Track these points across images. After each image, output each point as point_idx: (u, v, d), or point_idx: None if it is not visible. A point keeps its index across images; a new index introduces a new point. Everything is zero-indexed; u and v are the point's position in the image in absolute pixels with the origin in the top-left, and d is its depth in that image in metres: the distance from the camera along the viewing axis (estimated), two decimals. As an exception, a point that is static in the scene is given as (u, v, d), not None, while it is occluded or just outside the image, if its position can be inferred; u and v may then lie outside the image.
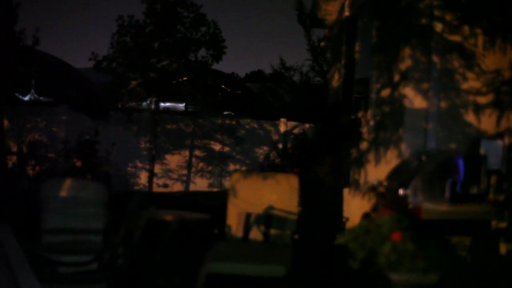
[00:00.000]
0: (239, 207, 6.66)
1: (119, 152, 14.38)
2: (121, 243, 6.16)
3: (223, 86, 16.87)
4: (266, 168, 12.64)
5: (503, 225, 6.05)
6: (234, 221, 6.62)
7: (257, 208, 6.64)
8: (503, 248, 5.91)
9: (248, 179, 6.95)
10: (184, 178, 15.50)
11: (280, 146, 14.63)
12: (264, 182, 6.87)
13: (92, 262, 6.00)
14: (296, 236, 6.47)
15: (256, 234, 6.58)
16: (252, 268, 5.55)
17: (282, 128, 15.99)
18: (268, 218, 6.61)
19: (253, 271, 5.54)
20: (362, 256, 4.14)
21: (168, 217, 6.72)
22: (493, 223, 6.00)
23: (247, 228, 6.58)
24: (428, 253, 3.95)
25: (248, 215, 6.63)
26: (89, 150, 12.51)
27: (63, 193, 7.01)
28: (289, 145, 13.78)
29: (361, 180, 8.08)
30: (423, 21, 6.59)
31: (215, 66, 14.82)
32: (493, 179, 6.23)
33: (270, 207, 6.62)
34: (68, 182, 7.16)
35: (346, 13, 9.68)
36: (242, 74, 22.02)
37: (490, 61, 6.56)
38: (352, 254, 4.23)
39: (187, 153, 15.57)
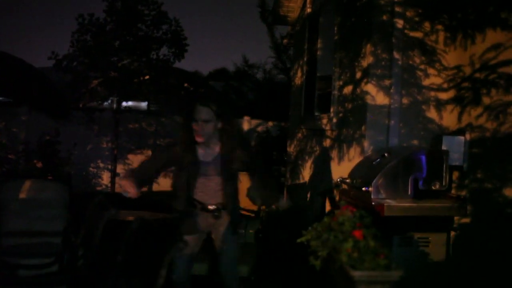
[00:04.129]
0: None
1: (80, 152, 14.26)
2: (81, 244, 6.07)
3: (186, 85, 16.74)
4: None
5: (465, 220, 6.08)
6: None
7: (219, 207, 6.59)
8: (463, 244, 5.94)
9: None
10: (147, 178, 15.35)
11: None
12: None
13: (52, 264, 5.89)
14: (260, 235, 6.45)
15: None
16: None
17: (246, 126, 15.94)
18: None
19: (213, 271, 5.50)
20: (324, 254, 4.09)
21: (129, 217, 6.64)
22: (456, 219, 6.03)
23: (210, 227, 6.53)
24: (390, 250, 3.93)
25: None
26: (50, 150, 12.39)
27: (23, 195, 6.88)
28: (253, 143, 13.76)
29: (325, 177, 8.07)
30: (384, 17, 6.59)
31: (178, 65, 14.73)
32: (455, 175, 6.26)
33: (234, 206, 6.58)
34: (28, 183, 7.04)
35: (308, 10, 9.68)
36: (205, 72, 21.87)
37: (451, 57, 6.58)
38: (314, 252, 4.18)
39: (149, 152, 15.45)
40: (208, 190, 5.19)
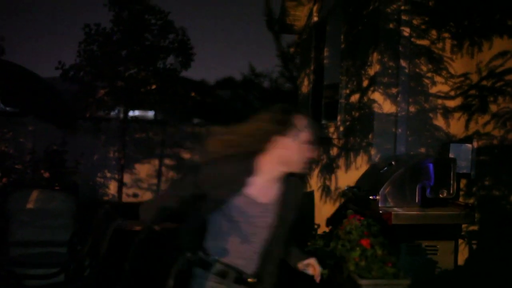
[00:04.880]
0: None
1: (87, 162, 14.26)
2: (88, 254, 6.07)
3: (193, 94, 16.73)
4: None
5: (473, 228, 6.05)
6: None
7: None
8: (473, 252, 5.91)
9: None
10: (154, 188, 15.37)
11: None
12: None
13: (59, 274, 5.90)
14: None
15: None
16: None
17: (253, 135, 15.89)
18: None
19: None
20: (332, 263, 4.09)
21: (136, 227, 6.64)
22: (464, 226, 6.01)
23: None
24: (398, 258, 3.92)
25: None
26: (57, 160, 12.40)
27: (31, 205, 6.92)
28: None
29: (332, 186, 8.05)
30: (391, 25, 6.58)
31: (185, 74, 14.72)
32: (463, 183, 6.24)
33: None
34: (35, 194, 7.07)
35: (315, 19, 9.68)
36: (212, 81, 21.88)
37: (458, 65, 6.57)
38: (322, 261, 4.17)
39: (156, 162, 15.44)
40: (250, 250, 3.29)
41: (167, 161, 15.61)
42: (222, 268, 3.24)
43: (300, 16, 10.86)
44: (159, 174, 15.48)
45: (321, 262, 4.14)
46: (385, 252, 3.84)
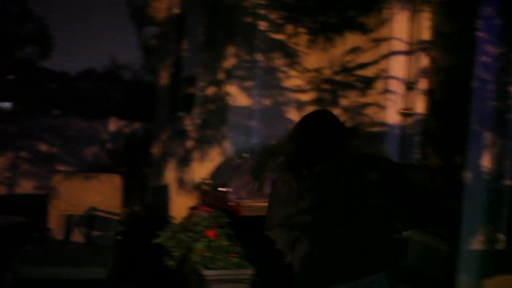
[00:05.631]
0: (61, 209, 6.47)
1: None
2: None
3: (52, 85, 16.32)
4: (95, 169, 12.37)
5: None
6: (55, 224, 6.41)
7: (79, 210, 6.48)
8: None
9: (70, 180, 6.73)
10: (8, 181, 14.83)
11: (110, 145, 14.36)
12: (87, 183, 6.68)
13: None
14: (120, 237, 6.33)
15: (78, 236, 6.41)
16: (72, 272, 5.36)
17: (113, 127, 15.64)
18: (90, 220, 6.45)
19: (73, 275, 5.35)
20: (179, 254, 4.05)
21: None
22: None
23: (68, 231, 6.39)
24: (244, 248, 3.93)
25: (69, 217, 6.45)
26: None
27: None
28: (119, 145, 13.58)
29: (187, 179, 8.01)
30: (248, 19, 6.60)
31: (46, 65, 14.33)
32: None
33: (93, 208, 6.47)
34: None
35: (175, 11, 9.61)
36: (74, 73, 21.44)
37: (312, 60, 6.66)
38: (170, 253, 4.13)
39: (12, 154, 14.90)
40: None
41: (23, 154, 15.09)
42: None
43: (160, 8, 10.75)
44: (14, 167, 14.94)
45: (168, 254, 4.10)
46: (231, 243, 3.83)
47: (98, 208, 6.46)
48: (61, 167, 14.87)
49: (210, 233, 3.89)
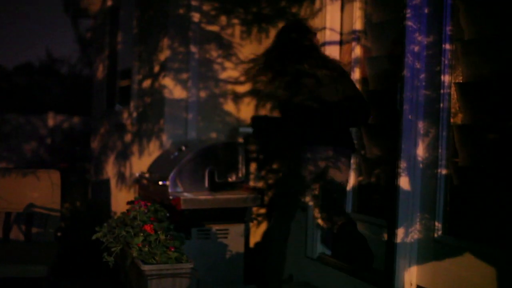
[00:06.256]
0: (-2, 207, 6.39)
1: None
2: None
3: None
4: (35, 165, 12.24)
5: (262, 211, 6.23)
6: (-7, 222, 6.33)
7: (18, 207, 6.39)
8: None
9: (7, 176, 6.63)
10: None
11: (49, 141, 14.21)
12: (24, 180, 6.58)
13: None
14: (59, 234, 6.28)
15: (17, 234, 6.34)
16: (11, 270, 5.30)
17: (51, 122, 15.48)
18: (29, 217, 6.38)
19: (11, 272, 5.29)
20: (117, 250, 4.05)
21: None
22: (255, 209, 6.16)
23: (7, 228, 6.31)
24: (182, 242, 3.94)
25: (7, 215, 6.38)
26: None
27: None
28: (58, 140, 13.45)
29: (127, 173, 7.99)
30: (181, 11, 6.59)
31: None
32: (253, 167, 6.38)
33: (31, 205, 6.40)
34: None
35: (109, 3, 9.53)
36: (10, 67, 21.09)
37: (247, 51, 6.69)
38: (108, 248, 4.12)
39: None
40: None
41: (-43, 152, 14.86)
42: None
43: (95, 0, 10.66)
44: None
45: (107, 250, 4.10)
46: (169, 237, 3.84)
47: (37, 204, 6.38)
48: (-1, 164, 14.67)
49: (148, 227, 3.89)
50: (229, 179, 5.68)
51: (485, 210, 3.80)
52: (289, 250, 4.70)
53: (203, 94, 6.62)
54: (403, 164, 4.16)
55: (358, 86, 5.00)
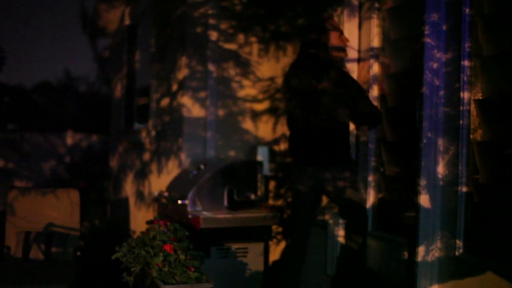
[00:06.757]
0: (18, 226, 6.39)
1: None
2: None
3: (6, 99, 16.12)
4: (53, 183, 12.27)
5: (281, 229, 6.20)
6: (12, 241, 6.34)
7: (37, 226, 6.41)
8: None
9: (27, 196, 6.66)
10: (-38, 199, 14.60)
11: (68, 159, 14.26)
12: (44, 199, 6.61)
13: None
14: (79, 253, 6.29)
15: (36, 253, 6.36)
16: (31, 289, 5.31)
17: (70, 141, 15.53)
18: (48, 236, 6.40)
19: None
20: (137, 270, 4.04)
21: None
22: (274, 227, 6.14)
23: (26, 248, 6.32)
24: (202, 262, 3.93)
25: (27, 234, 6.39)
26: None
27: None
28: (77, 158, 13.50)
29: (145, 191, 8.00)
30: (198, 30, 6.62)
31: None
32: (272, 185, 6.37)
33: (51, 224, 6.41)
34: None
35: (127, 22, 9.58)
36: (29, 86, 21.24)
37: (265, 69, 6.70)
38: (128, 268, 4.12)
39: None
40: None
41: (-22, 169, 14.92)
42: None
43: (112, 19, 10.72)
44: (-31, 183, 14.75)
45: (126, 269, 4.09)
46: (189, 256, 3.84)
47: (56, 224, 6.40)
48: (18, 183, 14.70)
49: (168, 247, 3.89)
50: (248, 198, 5.67)
51: (507, 228, 3.76)
52: (310, 268, 4.68)
53: (221, 112, 6.63)
54: (423, 182, 4.13)
55: (377, 103, 4.99)
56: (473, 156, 3.97)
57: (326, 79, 4.47)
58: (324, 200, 5.05)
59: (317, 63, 4.60)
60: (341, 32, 4.78)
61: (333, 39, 4.66)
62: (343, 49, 4.77)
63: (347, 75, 4.64)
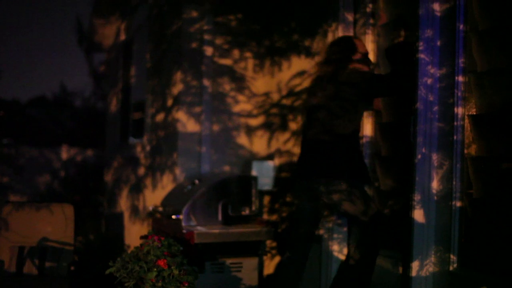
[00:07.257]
0: (12, 241, 6.37)
1: None
2: None
3: (1, 113, 16.11)
4: (48, 197, 12.25)
5: (276, 244, 6.20)
6: (6, 256, 6.31)
7: (31, 241, 6.39)
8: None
9: (21, 210, 6.64)
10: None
11: (63, 173, 14.25)
12: (38, 213, 6.59)
13: None
14: (73, 268, 6.28)
15: (30, 268, 6.33)
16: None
17: (65, 155, 15.52)
18: (42, 251, 6.38)
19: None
20: (131, 285, 4.03)
21: None
22: (268, 242, 6.13)
23: (20, 262, 6.30)
24: (196, 277, 3.92)
25: (21, 249, 6.37)
26: None
27: None
28: (71, 173, 13.49)
29: (140, 206, 7.99)
30: (194, 45, 6.63)
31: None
32: (267, 200, 6.37)
33: (44, 239, 6.39)
34: None
35: (122, 37, 9.61)
36: (24, 100, 21.25)
37: (260, 84, 6.72)
38: (122, 283, 4.10)
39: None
40: None
41: (-27, 184, 14.88)
42: None
43: (108, 34, 10.75)
44: (-38, 199, 14.70)
45: (120, 284, 4.08)
46: (182, 272, 3.83)
47: (50, 238, 6.38)
48: (13, 197, 14.67)
49: (161, 262, 3.88)
50: (243, 213, 5.66)
51: (501, 242, 3.77)
52: (305, 284, 4.67)
53: (216, 127, 6.64)
54: (417, 197, 4.14)
55: (371, 119, 5.01)
56: (467, 171, 3.98)
57: (323, 92, 4.48)
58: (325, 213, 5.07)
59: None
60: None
61: (360, 47, 4.64)
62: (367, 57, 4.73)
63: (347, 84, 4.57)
